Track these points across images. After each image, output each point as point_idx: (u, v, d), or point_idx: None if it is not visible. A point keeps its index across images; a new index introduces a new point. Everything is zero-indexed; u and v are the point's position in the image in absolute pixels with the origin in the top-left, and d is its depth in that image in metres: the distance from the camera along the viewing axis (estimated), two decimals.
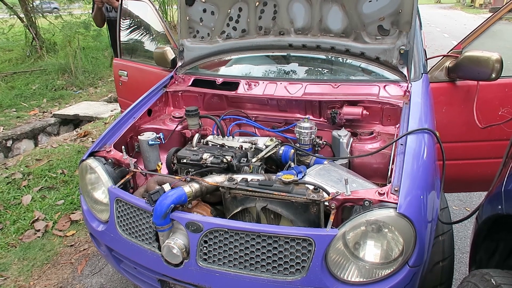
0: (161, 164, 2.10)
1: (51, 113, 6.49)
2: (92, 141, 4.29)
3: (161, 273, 1.65)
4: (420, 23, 3.25)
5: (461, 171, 2.54)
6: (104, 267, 2.65)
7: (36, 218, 3.13)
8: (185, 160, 1.89)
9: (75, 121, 6.33)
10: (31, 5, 9.02)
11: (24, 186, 3.61)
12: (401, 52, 2.04)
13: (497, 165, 1.50)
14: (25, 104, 6.51)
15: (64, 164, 4.04)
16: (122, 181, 1.87)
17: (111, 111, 6.20)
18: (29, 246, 2.84)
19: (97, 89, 7.85)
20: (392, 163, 1.65)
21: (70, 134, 5.34)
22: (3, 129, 5.17)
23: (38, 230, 3.01)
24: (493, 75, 2.04)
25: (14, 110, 6.17)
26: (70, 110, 6.48)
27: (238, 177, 1.65)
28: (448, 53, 2.42)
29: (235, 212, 1.61)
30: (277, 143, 2.03)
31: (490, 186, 1.45)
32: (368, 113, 2.05)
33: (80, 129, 5.63)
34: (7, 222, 3.10)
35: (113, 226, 1.77)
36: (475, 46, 2.37)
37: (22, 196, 3.43)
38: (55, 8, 13.04)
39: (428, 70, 2.32)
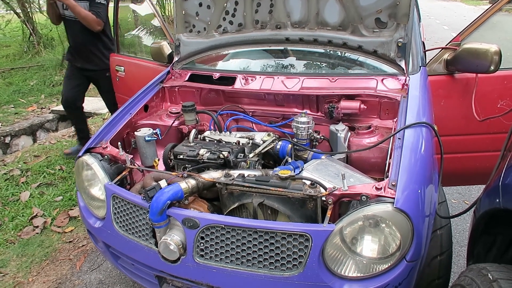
0: (158, 160, 2.09)
1: (49, 109, 6.47)
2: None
3: (158, 269, 1.65)
4: (419, 15, 3.22)
5: (459, 164, 2.53)
6: (102, 263, 2.66)
7: (34, 214, 3.13)
8: (182, 156, 1.88)
9: None
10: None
11: (22, 182, 3.61)
12: (399, 45, 2.02)
13: (495, 158, 1.49)
14: (23, 100, 6.48)
15: (62, 161, 4.04)
16: (119, 177, 1.86)
17: None
18: (27, 243, 2.84)
19: None
20: (390, 158, 1.64)
21: (69, 130, 5.33)
22: (1, 125, 5.15)
23: (37, 227, 3.01)
24: (492, 68, 2.02)
25: (12, 106, 6.15)
26: None
27: (235, 173, 1.64)
28: (446, 45, 2.40)
29: (232, 208, 1.61)
30: (274, 138, 2.02)
31: (488, 180, 1.45)
32: (365, 107, 2.04)
33: None
34: (5, 218, 3.10)
35: (110, 223, 1.76)
36: (474, 38, 2.35)
37: (20, 193, 3.43)
38: None
39: (426, 63, 2.30)
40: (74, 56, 3.87)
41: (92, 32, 3.66)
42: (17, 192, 3.46)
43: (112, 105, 4.19)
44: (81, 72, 3.93)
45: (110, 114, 4.62)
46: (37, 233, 2.96)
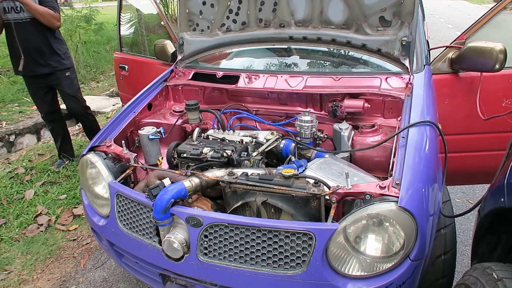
0: (162, 158, 2.10)
1: None
2: None
3: (162, 267, 1.66)
4: (423, 13, 3.21)
5: (463, 163, 2.52)
6: (106, 261, 2.67)
7: (39, 212, 3.15)
8: (185, 155, 1.88)
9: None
10: None
11: (27, 180, 3.63)
12: (403, 43, 2.01)
13: (500, 157, 1.48)
14: (27, 99, 6.49)
15: (66, 159, 4.05)
16: (123, 175, 1.87)
17: (113, 105, 6.20)
18: (32, 241, 2.86)
19: (99, 84, 7.85)
20: (394, 156, 1.63)
21: (73, 129, 5.34)
22: (6, 124, 5.17)
23: (41, 225, 3.02)
24: (497, 66, 2.01)
25: (17, 105, 6.17)
26: None
27: (239, 171, 1.64)
28: (451, 44, 2.39)
29: (235, 206, 1.61)
30: (277, 136, 2.02)
31: (493, 179, 1.44)
32: (369, 105, 2.04)
33: None
34: (10, 216, 3.12)
35: (114, 221, 1.77)
36: (479, 36, 2.34)
37: (25, 191, 3.45)
38: None
39: (430, 62, 2.29)
40: (27, 65, 3.38)
41: (45, 32, 3.36)
42: (21, 190, 3.48)
43: (79, 109, 3.78)
44: (39, 81, 3.56)
45: (75, 121, 4.22)
46: (42, 231, 2.97)
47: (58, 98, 3.86)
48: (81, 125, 5.45)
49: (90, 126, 3.98)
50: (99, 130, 3.94)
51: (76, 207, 3.24)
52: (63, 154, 3.96)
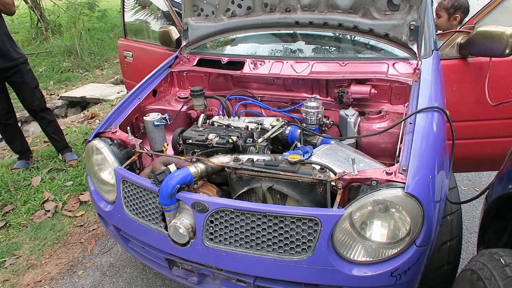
0: (167, 145, 2.10)
1: (58, 95, 6.52)
2: None
3: (168, 252, 1.67)
4: None
5: (471, 150, 2.50)
6: (113, 247, 2.70)
7: (46, 199, 3.18)
8: (190, 141, 1.88)
9: (82, 103, 6.36)
10: None
11: (33, 167, 3.66)
12: (411, 28, 1.97)
13: (508, 144, 1.47)
14: None
15: (72, 146, 4.06)
16: (128, 161, 1.87)
17: (118, 93, 6.20)
18: (39, 226, 2.90)
19: (103, 71, 7.84)
20: (401, 143, 1.62)
21: (78, 116, 5.37)
22: None
23: (48, 211, 3.06)
24: (507, 51, 1.98)
25: None
26: (77, 92, 6.50)
27: (244, 158, 1.64)
28: (459, 28, 2.34)
29: (241, 192, 1.61)
30: (283, 123, 2.01)
31: (501, 166, 1.42)
32: (376, 91, 2.01)
33: (87, 111, 5.66)
34: (18, 202, 3.15)
35: (120, 207, 1.78)
36: (488, 21, 2.29)
37: (31, 178, 3.48)
38: None
39: (439, 47, 2.25)
40: None
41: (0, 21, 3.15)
42: (28, 177, 3.51)
43: (41, 104, 3.53)
44: None
45: (27, 114, 3.77)
46: (49, 217, 3.00)
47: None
48: (86, 112, 5.46)
49: (53, 124, 3.68)
50: (60, 130, 3.71)
51: (83, 194, 3.27)
52: (26, 155, 3.72)
